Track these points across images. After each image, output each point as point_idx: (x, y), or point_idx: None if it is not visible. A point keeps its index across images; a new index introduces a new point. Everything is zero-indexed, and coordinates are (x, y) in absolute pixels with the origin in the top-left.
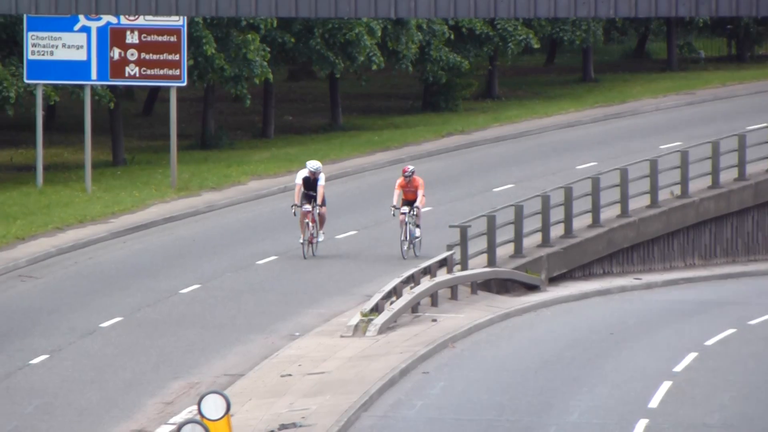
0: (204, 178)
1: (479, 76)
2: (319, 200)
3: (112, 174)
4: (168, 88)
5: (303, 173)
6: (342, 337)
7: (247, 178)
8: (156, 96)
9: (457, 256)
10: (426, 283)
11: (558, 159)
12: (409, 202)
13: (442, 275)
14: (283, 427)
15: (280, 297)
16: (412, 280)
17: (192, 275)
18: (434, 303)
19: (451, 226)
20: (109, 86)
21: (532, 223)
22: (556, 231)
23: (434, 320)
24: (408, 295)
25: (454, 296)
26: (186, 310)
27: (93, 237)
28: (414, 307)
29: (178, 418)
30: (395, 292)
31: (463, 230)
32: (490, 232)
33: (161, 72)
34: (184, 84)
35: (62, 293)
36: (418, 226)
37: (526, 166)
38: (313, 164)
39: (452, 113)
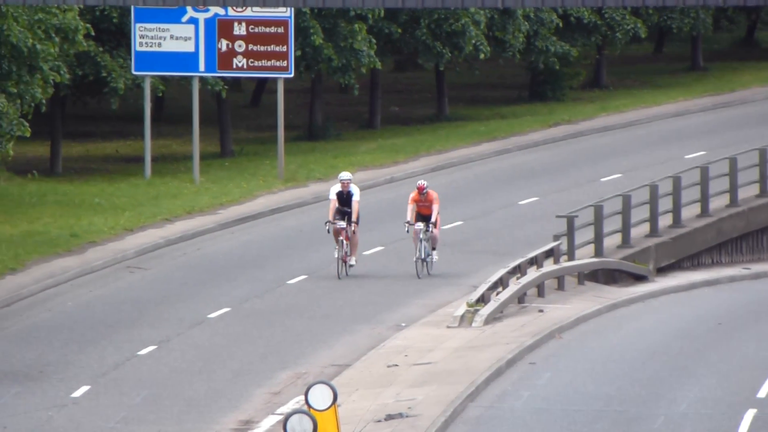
0: (311, 168)
1: (587, 65)
2: (354, 216)
3: (219, 165)
4: (275, 80)
5: (336, 188)
6: (448, 327)
7: (353, 168)
8: (263, 87)
9: (564, 247)
10: (532, 273)
11: (666, 148)
12: (424, 217)
13: (549, 266)
14: (390, 417)
15: (386, 287)
16: (519, 270)
17: (299, 266)
18: (541, 293)
19: (557, 216)
20: (217, 77)
21: (639, 213)
22: (665, 221)
23: (541, 311)
24: (514, 285)
25: (560, 287)
26: (293, 301)
27: (201, 228)
28: (520, 298)
29: (286, 409)
30: (501, 282)
31: (570, 220)
32: (598, 222)
33: (269, 63)
34: (292, 75)
35: (170, 284)
36: (434, 248)
37: (634, 156)
38: (344, 175)
39: (559, 103)
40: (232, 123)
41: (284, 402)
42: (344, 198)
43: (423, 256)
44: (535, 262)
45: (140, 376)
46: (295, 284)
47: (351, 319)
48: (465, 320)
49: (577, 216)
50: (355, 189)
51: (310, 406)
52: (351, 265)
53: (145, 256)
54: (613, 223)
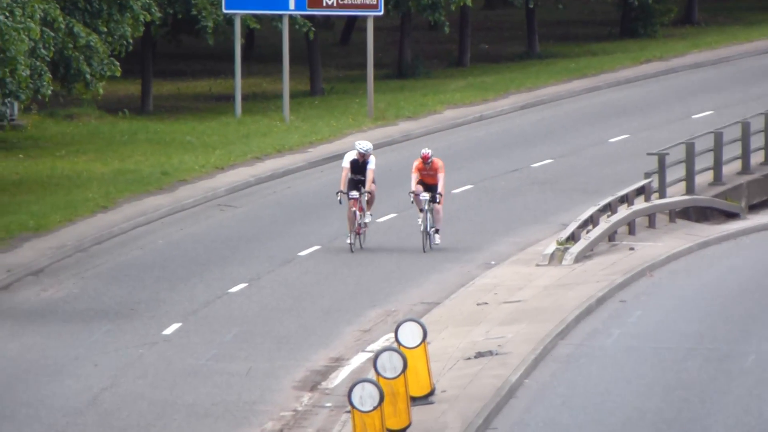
0: (400, 107)
1: (678, 1)
2: (368, 186)
3: (309, 104)
4: (365, 18)
5: (350, 155)
6: (538, 265)
7: (442, 107)
8: (353, 25)
9: (655, 184)
10: (623, 211)
11: (758, 85)
12: (428, 186)
13: (640, 203)
14: (480, 354)
15: (475, 226)
16: (609, 208)
17: (388, 205)
18: (631, 231)
19: (648, 154)
20: (306, 16)
21: (731, 150)
22: (757, 158)
23: (631, 249)
24: (604, 223)
25: (651, 224)
26: (382, 239)
27: (291, 166)
28: (611, 236)
29: (376, 346)
30: (591, 220)
31: (661, 158)
32: (689, 159)
33: (358, 1)
34: (381, 13)
35: (260, 222)
36: (437, 231)
37: (726, 93)
38: (363, 145)
39: (650, 39)
40: (322, 61)
41: (374, 339)
42: (359, 166)
43: (428, 228)
44: (625, 199)
45: (231, 314)
46: (385, 222)
47: (440, 257)
48: (555, 258)
49: (668, 153)
50: (370, 157)
51: (400, 344)
52: (366, 222)
53: (236, 194)
54: (704, 161)
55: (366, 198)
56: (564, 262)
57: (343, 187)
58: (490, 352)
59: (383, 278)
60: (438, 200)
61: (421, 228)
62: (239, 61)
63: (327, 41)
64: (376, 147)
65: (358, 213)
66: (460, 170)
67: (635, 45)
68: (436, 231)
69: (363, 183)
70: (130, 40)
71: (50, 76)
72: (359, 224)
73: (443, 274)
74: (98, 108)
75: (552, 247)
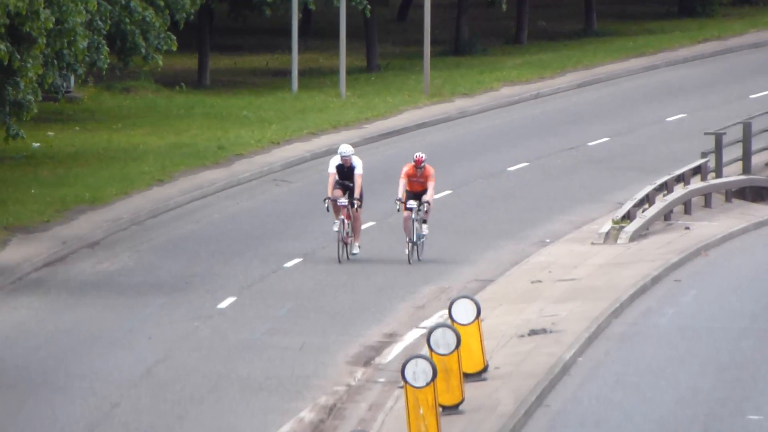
0: (456, 84)
1: None
2: (356, 192)
3: (365, 80)
4: None
5: (335, 160)
6: (593, 244)
7: (499, 84)
8: (410, 2)
9: (712, 164)
10: (679, 190)
11: None
12: (416, 194)
13: (696, 183)
14: (534, 332)
15: (530, 204)
16: (665, 187)
17: (444, 181)
18: (687, 211)
19: (705, 134)
20: None
21: None
22: None
23: (687, 228)
24: (660, 202)
25: (707, 204)
26: (438, 215)
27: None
28: (666, 215)
29: (429, 323)
30: (647, 199)
31: (718, 137)
32: (746, 139)
33: None
34: None
35: (316, 197)
36: (425, 221)
37: None
38: (343, 149)
39: (708, 18)
40: (379, 38)
41: (428, 316)
42: (345, 171)
43: (414, 239)
44: (681, 179)
45: (285, 288)
46: (441, 199)
47: (495, 234)
48: (610, 237)
49: (725, 133)
50: (357, 161)
51: (453, 321)
52: (354, 253)
53: (291, 169)
54: (761, 141)
55: (355, 206)
56: (619, 241)
57: (330, 193)
58: (544, 330)
59: (437, 255)
60: (426, 209)
61: (407, 240)
62: (296, 36)
63: (384, 17)
64: (432, 123)
65: (346, 221)
66: (516, 148)
67: (693, 24)
68: (424, 221)
69: (352, 189)
70: (191, 12)
71: (107, 49)
72: (347, 233)
73: (497, 252)
74: (155, 82)
75: (607, 225)
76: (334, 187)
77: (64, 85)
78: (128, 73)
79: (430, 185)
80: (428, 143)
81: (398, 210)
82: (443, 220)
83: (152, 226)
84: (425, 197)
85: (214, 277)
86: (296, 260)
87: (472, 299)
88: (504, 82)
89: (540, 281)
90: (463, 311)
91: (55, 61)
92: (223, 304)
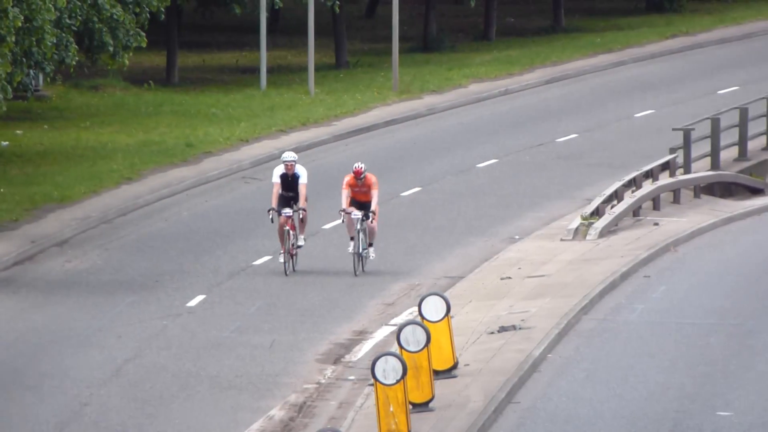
0: (425, 80)
1: None
2: (301, 201)
3: (334, 77)
4: None
5: (279, 170)
6: (562, 240)
7: (467, 80)
8: None
9: (680, 160)
10: (648, 186)
11: None
12: (361, 204)
13: (665, 179)
14: (503, 329)
15: (500, 200)
16: (634, 183)
17: (412, 178)
18: (656, 207)
19: (674, 129)
20: None
21: (757, 126)
22: None
23: (656, 224)
24: (629, 198)
25: (676, 200)
26: (407, 213)
27: (315, 139)
28: (635, 211)
29: (399, 320)
30: (616, 195)
31: (686, 133)
32: (714, 135)
33: None
34: None
35: None
36: (371, 244)
37: (753, 69)
38: (287, 155)
39: (676, 14)
40: (347, 34)
41: (398, 313)
42: (289, 181)
43: (359, 251)
44: (650, 175)
45: (255, 286)
46: (409, 196)
47: (464, 231)
48: (579, 233)
49: (693, 129)
50: (301, 170)
51: (423, 318)
52: (299, 246)
53: (261, 166)
54: (729, 136)
55: (300, 215)
56: (588, 237)
57: (274, 204)
58: (514, 327)
59: (407, 251)
60: (371, 219)
61: (351, 250)
62: (264, 33)
63: (352, 14)
64: (401, 120)
65: (291, 232)
66: (485, 144)
67: (661, 20)
68: (370, 245)
69: (295, 200)
70: (162, 10)
71: (76, 46)
72: (292, 245)
73: (467, 248)
74: (123, 79)
75: (576, 221)
76: (279, 201)
77: (32, 83)
78: (97, 71)
79: (374, 194)
80: (397, 140)
81: (342, 221)
82: (412, 216)
83: (121, 224)
84: (371, 206)
85: (184, 275)
86: (266, 258)
87: (442, 296)
88: (472, 79)
89: (509, 278)
90: (433, 308)
91: (24, 59)
92: (193, 302)
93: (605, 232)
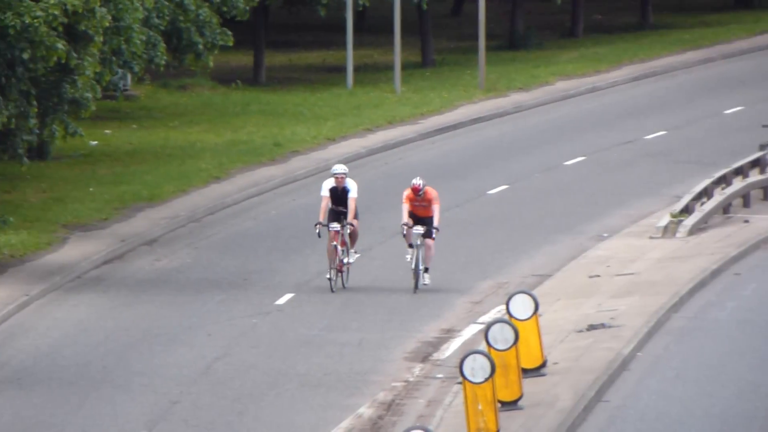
0: (511, 78)
1: None
2: (350, 216)
3: (420, 75)
4: None
5: (329, 183)
6: (651, 238)
7: (554, 78)
8: None
9: None
10: (738, 183)
11: None
12: (422, 219)
13: (755, 175)
14: (592, 327)
15: (587, 198)
16: (724, 180)
17: (500, 176)
18: (746, 204)
19: (764, 126)
20: None
21: None
22: None
23: (746, 221)
24: (719, 195)
25: (767, 197)
26: (494, 211)
27: (402, 138)
28: (725, 208)
29: (487, 318)
30: (706, 192)
31: None
32: None
33: None
34: None
35: (372, 193)
36: (426, 270)
37: None
38: (337, 168)
39: (765, 10)
40: (433, 32)
41: (485, 311)
42: (339, 195)
43: (418, 268)
44: (740, 171)
45: (343, 285)
46: (496, 194)
47: (552, 229)
48: (668, 231)
49: None
50: (351, 184)
51: (511, 316)
52: (350, 263)
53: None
54: None
55: (348, 230)
56: (677, 235)
57: (322, 218)
58: (603, 325)
59: (494, 249)
60: (433, 235)
61: (411, 266)
62: (351, 32)
63: (438, 12)
64: (488, 118)
65: (339, 248)
66: (572, 142)
67: (749, 16)
68: (426, 270)
69: (345, 214)
70: (247, 9)
71: (164, 45)
72: (341, 261)
73: (555, 246)
74: (211, 79)
75: (665, 219)
76: (327, 215)
77: (121, 83)
78: (184, 71)
79: (435, 209)
80: (484, 138)
81: (403, 234)
82: (499, 214)
83: (210, 223)
84: (434, 222)
85: (272, 274)
86: (354, 256)
87: (530, 294)
88: (559, 76)
89: (598, 276)
90: (521, 306)
91: (113, 59)
92: (281, 301)
93: (695, 230)
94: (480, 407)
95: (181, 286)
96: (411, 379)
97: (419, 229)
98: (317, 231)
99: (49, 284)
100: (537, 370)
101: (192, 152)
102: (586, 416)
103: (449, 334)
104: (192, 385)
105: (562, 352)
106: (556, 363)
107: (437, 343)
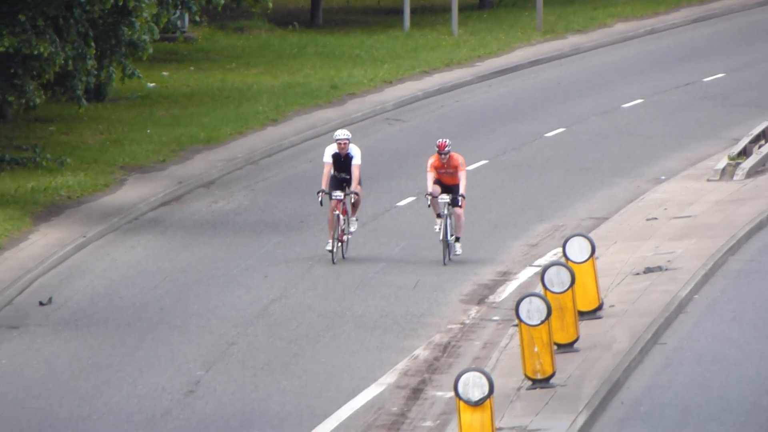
0: (570, 20)
1: None
2: (354, 185)
3: (478, 17)
4: None
5: (331, 149)
6: (708, 181)
7: (613, 20)
8: None
9: None
10: None
11: None
12: (448, 187)
13: None
14: (649, 270)
15: (645, 141)
16: None
17: (556, 118)
18: None
19: None
20: None
21: None
22: None
23: None
24: None
25: None
26: (551, 154)
27: (459, 80)
28: None
29: (543, 261)
30: (764, 135)
31: None
32: None
33: None
34: None
35: (428, 136)
36: (457, 239)
37: None
38: (339, 133)
39: None
40: None
41: (541, 254)
42: (342, 162)
43: (447, 238)
44: None
45: (399, 227)
46: (553, 137)
47: (609, 172)
48: (726, 173)
49: None
50: (355, 150)
51: (568, 259)
52: (351, 232)
53: (404, 108)
54: None
55: (352, 200)
56: (735, 178)
57: (324, 185)
58: (659, 268)
59: (551, 192)
60: (459, 203)
61: (440, 237)
62: None
63: None
64: (545, 61)
65: (341, 217)
66: (631, 84)
67: None
68: (457, 239)
69: (348, 182)
70: None
71: None
72: (342, 230)
73: (612, 189)
74: (268, 21)
75: (723, 162)
76: (330, 183)
77: (179, 25)
78: (241, 13)
79: (462, 176)
80: (541, 80)
81: (429, 206)
82: (556, 157)
83: (267, 165)
84: (460, 190)
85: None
86: (410, 199)
87: (587, 237)
88: (618, 18)
89: (655, 218)
90: (578, 249)
91: (170, 1)
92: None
93: (752, 173)
94: (536, 349)
95: (238, 228)
96: (467, 322)
97: (445, 198)
98: (319, 199)
99: (107, 226)
100: (593, 313)
101: (249, 94)
102: (642, 359)
103: (505, 276)
104: (249, 327)
105: (619, 295)
106: (612, 306)
107: (493, 286)
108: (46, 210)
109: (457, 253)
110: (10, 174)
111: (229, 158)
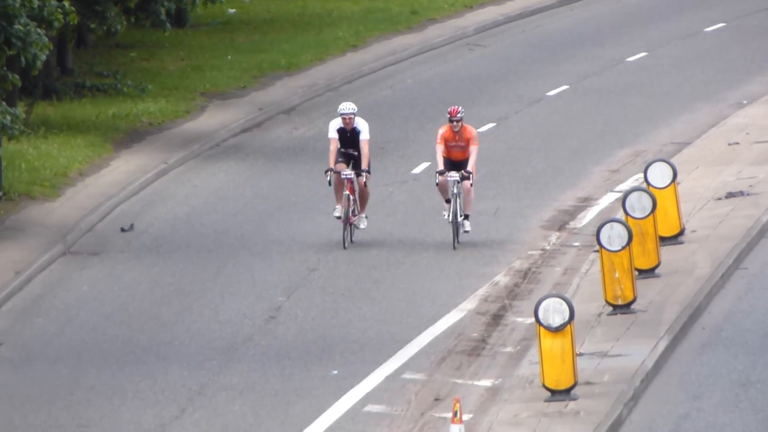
0: None
1: None
2: (364, 163)
3: None
4: None
5: (336, 122)
6: None
7: None
8: None
9: None
10: None
11: None
12: (458, 163)
13: None
14: (731, 194)
15: (727, 65)
16: None
17: (638, 43)
18: None
19: None
20: None
21: None
22: None
23: None
24: None
25: None
26: (632, 79)
27: (540, 5)
28: None
29: (624, 186)
30: None
31: None
32: None
33: None
34: None
35: (509, 62)
36: (466, 217)
37: None
38: (344, 107)
39: None
40: None
41: (623, 180)
42: (348, 137)
43: (457, 219)
44: None
45: (480, 153)
46: (635, 62)
47: (691, 96)
48: None
49: None
50: (362, 125)
51: (649, 184)
52: (360, 228)
53: (485, 33)
54: None
55: (365, 178)
56: None
57: (332, 163)
58: (741, 192)
59: (632, 118)
60: (469, 178)
61: (449, 219)
62: None
63: None
64: None
65: (351, 198)
66: (713, 8)
67: None
68: (466, 217)
69: (357, 159)
70: None
71: None
72: (352, 211)
73: (694, 114)
74: None
75: None
76: (337, 159)
77: None
78: None
79: (473, 150)
80: (623, 5)
81: (437, 183)
82: (637, 82)
83: (347, 91)
84: (468, 165)
85: (409, 143)
86: (490, 125)
87: (668, 162)
88: None
89: (737, 143)
90: (659, 174)
91: None
92: (418, 170)
93: None
94: (617, 275)
95: (318, 154)
96: (547, 248)
97: (454, 175)
98: (328, 178)
99: (188, 152)
100: (675, 238)
101: (329, 21)
102: (723, 284)
103: (586, 202)
104: (329, 253)
105: (701, 220)
106: (694, 231)
107: (574, 212)
108: (127, 136)
109: (467, 230)
110: (92, 100)
111: (309, 84)
